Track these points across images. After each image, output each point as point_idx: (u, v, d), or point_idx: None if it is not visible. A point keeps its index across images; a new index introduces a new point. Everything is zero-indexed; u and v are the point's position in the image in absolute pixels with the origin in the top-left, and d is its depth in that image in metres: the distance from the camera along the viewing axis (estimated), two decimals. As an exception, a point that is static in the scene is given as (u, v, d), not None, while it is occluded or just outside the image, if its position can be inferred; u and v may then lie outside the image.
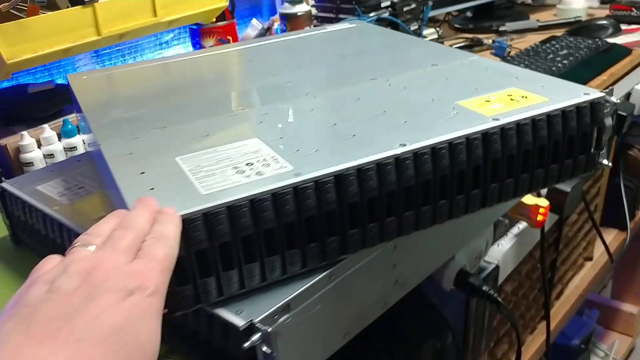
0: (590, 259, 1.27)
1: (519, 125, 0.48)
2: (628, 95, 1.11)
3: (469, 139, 0.47)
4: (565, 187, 0.79)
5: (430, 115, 0.51)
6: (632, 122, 1.29)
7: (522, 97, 0.53)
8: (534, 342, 1.08)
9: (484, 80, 0.58)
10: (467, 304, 0.73)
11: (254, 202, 0.40)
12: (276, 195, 0.41)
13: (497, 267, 0.77)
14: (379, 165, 0.44)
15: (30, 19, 0.78)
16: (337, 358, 0.61)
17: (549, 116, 0.50)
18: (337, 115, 0.53)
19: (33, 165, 0.82)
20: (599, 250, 1.27)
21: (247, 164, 0.45)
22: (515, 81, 0.56)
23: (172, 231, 0.37)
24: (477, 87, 0.56)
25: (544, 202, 0.75)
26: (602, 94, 0.52)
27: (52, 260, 0.34)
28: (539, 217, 0.75)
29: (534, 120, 0.49)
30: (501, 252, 0.81)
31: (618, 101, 0.52)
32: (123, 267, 0.33)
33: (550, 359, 1.10)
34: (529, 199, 0.75)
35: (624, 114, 1.00)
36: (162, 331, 0.33)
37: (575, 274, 1.23)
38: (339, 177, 0.43)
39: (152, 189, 0.42)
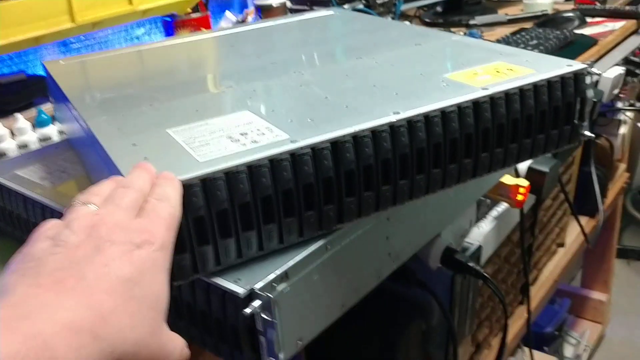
0: (562, 245, 1.29)
1: (507, 94, 0.49)
2: (596, 83, 1.14)
3: (460, 108, 0.47)
4: (544, 167, 0.80)
5: (421, 87, 0.51)
6: (599, 112, 1.32)
7: (509, 69, 0.53)
8: (513, 327, 1.10)
9: (469, 56, 0.59)
10: (452, 284, 0.73)
11: (252, 169, 0.40)
12: (273, 162, 0.41)
13: (480, 247, 0.78)
14: (374, 132, 0.44)
15: (1, 5, 0.76)
16: (327, 334, 0.61)
17: (536, 86, 0.50)
18: (328, 90, 0.53)
19: (6, 155, 0.80)
20: (571, 236, 1.30)
21: (241, 134, 0.44)
22: (500, 56, 0.57)
23: (173, 193, 0.36)
24: (464, 62, 0.56)
25: (524, 182, 0.76)
26: (585, 65, 0.53)
27: (52, 221, 0.33)
28: (519, 197, 0.76)
29: (521, 90, 0.50)
30: (482, 234, 0.82)
31: (600, 72, 0.54)
32: (128, 222, 0.32)
33: (527, 344, 1.12)
34: (509, 179, 0.76)
35: (595, 100, 1.03)
36: None
37: (548, 260, 1.25)
38: (335, 144, 0.43)
39: (146, 158, 0.42)
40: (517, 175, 0.81)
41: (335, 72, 0.58)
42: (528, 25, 1.34)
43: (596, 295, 1.73)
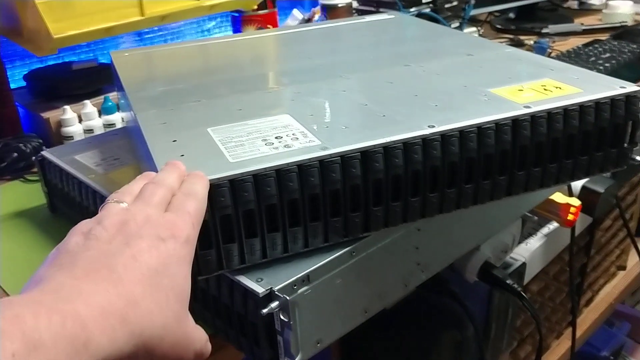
0: (623, 268, 1.24)
1: (550, 114, 0.48)
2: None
3: (498, 125, 0.46)
4: (599, 187, 0.78)
5: (461, 100, 0.51)
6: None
7: (556, 87, 0.52)
8: (560, 348, 1.07)
9: (518, 70, 0.58)
10: (490, 298, 0.72)
11: (280, 172, 0.41)
12: (302, 167, 0.42)
13: (523, 264, 0.76)
14: (406, 144, 0.44)
15: (77, -4, 0.80)
16: (358, 337, 0.62)
17: (582, 107, 0.49)
18: (369, 97, 0.53)
19: (73, 139, 0.85)
20: (633, 259, 1.24)
21: (276, 137, 0.45)
22: (549, 72, 0.56)
23: (200, 189, 0.38)
24: (511, 77, 0.55)
25: (575, 202, 0.74)
26: (639, 88, 0.51)
27: (86, 220, 0.36)
28: (570, 217, 0.74)
29: (566, 110, 0.49)
30: (529, 250, 0.80)
31: (655, 95, 0.51)
32: (155, 218, 0.34)
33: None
34: (560, 197, 0.74)
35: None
36: None
37: (606, 282, 1.20)
38: (365, 154, 0.43)
39: (182, 155, 0.44)
40: (570, 193, 0.78)
41: (380, 79, 0.58)
42: (604, 36, 1.29)
43: (660, 322, 1.64)
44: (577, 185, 0.79)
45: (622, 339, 1.61)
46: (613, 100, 0.50)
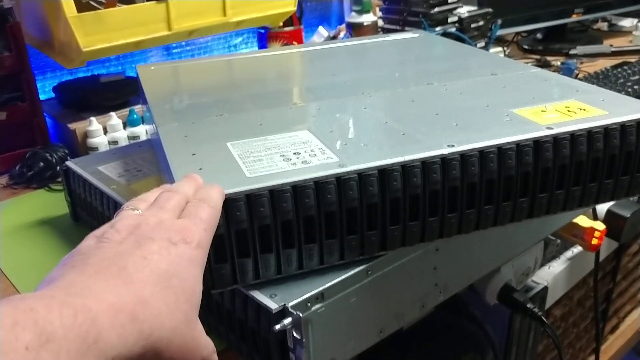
0: (651, 295, 1.21)
1: (573, 135, 0.47)
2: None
3: (519, 145, 0.46)
4: (625, 212, 0.76)
5: (483, 119, 0.50)
6: None
7: (580, 109, 0.51)
8: (583, 375, 1.04)
9: (542, 91, 0.57)
10: (510, 321, 0.71)
11: (296, 189, 0.41)
12: (318, 184, 0.42)
13: (545, 288, 0.75)
14: (425, 163, 0.44)
15: (106, 11, 0.82)
16: (375, 357, 0.61)
17: (607, 129, 0.48)
18: (390, 114, 0.53)
19: (98, 150, 0.86)
20: (661, 286, 1.21)
21: (294, 153, 0.45)
22: (575, 94, 0.55)
23: (215, 196, 0.38)
24: (535, 97, 0.55)
25: (600, 226, 0.72)
26: (666, 111, 0.50)
27: (101, 227, 0.36)
28: (594, 241, 0.73)
29: (589, 132, 0.48)
30: (552, 274, 0.78)
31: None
32: (168, 222, 0.34)
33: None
34: (584, 221, 0.73)
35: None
36: (201, 310, 0.35)
37: (633, 308, 1.17)
38: (383, 172, 0.43)
39: (200, 169, 0.44)
40: (595, 217, 0.77)
41: (402, 97, 0.58)
42: (634, 58, 1.27)
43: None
44: (602, 208, 0.77)
45: (650, 368, 1.57)
46: (639, 123, 0.49)
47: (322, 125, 0.51)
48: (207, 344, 0.34)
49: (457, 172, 0.44)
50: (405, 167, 0.43)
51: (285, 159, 0.44)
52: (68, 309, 0.26)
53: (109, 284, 0.30)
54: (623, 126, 0.49)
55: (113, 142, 0.87)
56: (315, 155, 0.45)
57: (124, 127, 0.89)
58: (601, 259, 0.89)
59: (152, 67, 0.76)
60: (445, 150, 0.44)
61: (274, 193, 0.41)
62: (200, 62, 0.82)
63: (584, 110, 0.51)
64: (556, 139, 0.47)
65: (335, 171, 0.42)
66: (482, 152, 0.45)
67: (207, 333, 0.35)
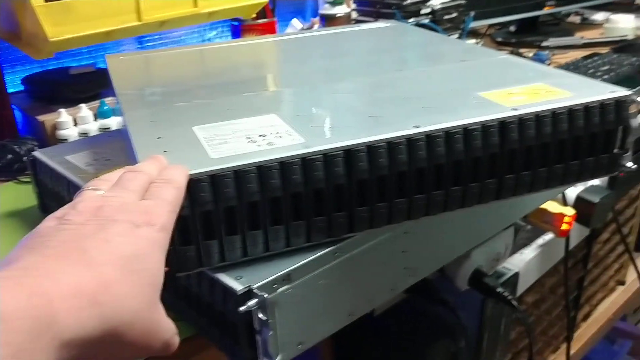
0: (622, 283, 1.23)
1: (538, 116, 0.48)
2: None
3: (484, 126, 0.46)
4: (593, 197, 0.77)
5: (450, 102, 0.50)
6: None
7: (547, 91, 0.52)
8: (557, 362, 1.05)
9: (510, 75, 0.58)
10: (483, 307, 0.71)
11: (261, 169, 0.41)
12: (284, 165, 0.41)
13: (516, 274, 0.75)
14: (391, 144, 0.44)
15: (75, 0, 0.81)
16: (350, 342, 0.61)
17: (571, 110, 0.49)
18: (359, 99, 0.53)
19: (67, 141, 0.85)
20: (632, 274, 1.23)
21: (260, 135, 0.45)
22: (542, 78, 0.56)
23: (179, 177, 0.37)
24: (503, 81, 0.55)
25: (569, 211, 0.73)
26: (629, 93, 0.51)
27: (61, 207, 0.35)
28: (564, 226, 0.73)
29: (554, 113, 0.48)
30: (523, 260, 0.79)
31: (645, 101, 0.51)
32: (131, 204, 0.34)
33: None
34: (554, 207, 0.73)
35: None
36: (170, 295, 0.34)
37: (605, 296, 1.19)
38: (349, 152, 0.43)
39: (165, 151, 0.43)
40: (565, 203, 0.78)
41: (373, 82, 0.58)
42: (605, 50, 1.29)
43: (661, 340, 1.62)
44: (571, 194, 0.78)
45: (623, 357, 1.59)
46: (603, 104, 0.50)
47: (290, 110, 0.51)
48: (168, 328, 0.34)
49: (423, 153, 0.45)
50: (371, 147, 0.43)
51: (250, 141, 0.44)
52: (23, 291, 0.26)
53: (70, 267, 0.29)
54: (587, 107, 0.49)
55: (83, 134, 0.86)
56: (281, 137, 0.45)
57: (95, 119, 0.88)
58: (572, 247, 0.90)
59: (122, 57, 0.76)
60: (411, 131, 0.44)
61: (239, 174, 0.40)
62: (172, 52, 0.81)
63: (550, 92, 0.52)
64: (521, 120, 0.47)
65: (300, 151, 0.42)
66: (448, 133, 0.45)
67: (177, 319, 0.34)
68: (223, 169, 0.40)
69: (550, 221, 0.73)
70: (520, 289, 0.80)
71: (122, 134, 0.70)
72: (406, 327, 0.70)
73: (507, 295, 0.63)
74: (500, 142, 0.47)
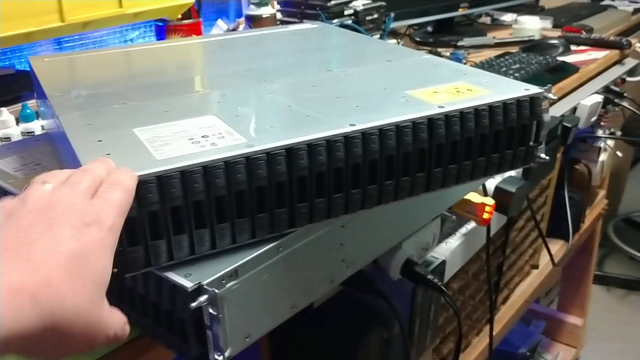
0: (536, 266, 1.31)
1: (462, 113, 0.51)
2: (574, 110, 1.17)
3: (415, 123, 0.49)
4: (511, 187, 0.83)
5: (381, 101, 0.53)
6: (578, 138, 1.35)
7: (468, 89, 0.56)
8: (480, 344, 1.11)
9: (434, 74, 0.61)
10: (414, 295, 0.75)
11: (207, 169, 0.42)
12: (228, 164, 0.43)
13: (443, 262, 0.80)
14: (329, 142, 0.46)
15: (-7, 0, 0.78)
16: (287, 334, 0.63)
17: (491, 107, 0.53)
18: (293, 99, 0.55)
19: (-11, 147, 0.82)
20: (545, 258, 1.32)
21: (202, 136, 0.46)
22: (462, 76, 0.60)
23: (127, 180, 0.38)
24: (427, 80, 0.59)
25: (490, 201, 0.78)
26: (541, 90, 0.55)
27: (8, 198, 0.35)
28: (485, 215, 0.78)
29: (476, 110, 0.52)
30: (449, 249, 0.84)
31: (555, 97, 0.56)
32: (80, 204, 0.34)
33: (495, 362, 1.13)
34: (476, 198, 0.78)
35: (570, 125, 1.06)
36: (113, 297, 0.35)
37: (521, 280, 1.27)
38: (290, 151, 0.45)
39: (108, 154, 0.44)
40: (485, 193, 0.83)
41: (304, 83, 0.60)
42: (515, 49, 1.37)
43: (572, 319, 1.74)
44: (491, 186, 0.84)
45: (538, 336, 1.70)
46: (519, 101, 0.54)
47: (227, 110, 0.52)
48: (113, 323, 0.35)
49: (359, 150, 0.47)
50: (310, 145, 0.45)
51: (193, 142, 0.45)
52: None
53: (13, 264, 0.30)
54: (505, 104, 0.54)
55: (5, 139, 0.83)
56: (223, 137, 0.46)
57: (17, 123, 0.85)
58: (492, 234, 0.95)
59: (46, 59, 0.74)
60: (348, 129, 0.47)
61: (185, 174, 0.41)
62: (97, 54, 0.80)
63: (471, 90, 0.56)
64: (447, 117, 0.51)
65: (244, 151, 0.43)
66: (382, 130, 0.48)
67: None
68: (170, 169, 0.41)
69: (473, 211, 0.78)
70: (447, 276, 0.84)
71: (51, 138, 0.68)
72: (343, 318, 0.73)
73: (437, 282, 0.67)
74: (429, 137, 0.50)
